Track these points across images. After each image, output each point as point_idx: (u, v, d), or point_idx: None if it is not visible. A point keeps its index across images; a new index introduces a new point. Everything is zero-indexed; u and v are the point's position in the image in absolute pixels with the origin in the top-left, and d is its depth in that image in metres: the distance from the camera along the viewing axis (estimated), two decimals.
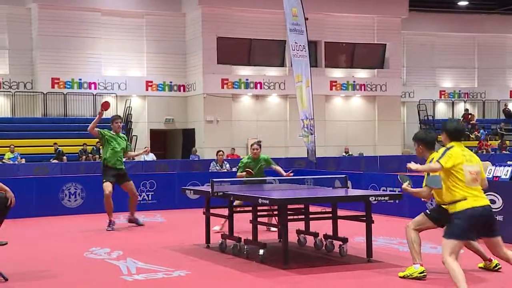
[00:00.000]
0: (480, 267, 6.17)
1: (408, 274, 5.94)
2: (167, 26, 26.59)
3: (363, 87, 28.45)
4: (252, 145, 9.69)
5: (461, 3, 31.27)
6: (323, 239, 7.65)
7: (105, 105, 10.39)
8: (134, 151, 24.55)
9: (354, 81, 28.37)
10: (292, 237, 7.59)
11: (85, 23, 25.31)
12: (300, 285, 5.92)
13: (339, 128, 27.74)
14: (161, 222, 10.82)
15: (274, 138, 26.49)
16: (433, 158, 5.56)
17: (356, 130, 27.97)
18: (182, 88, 27.05)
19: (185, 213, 11.53)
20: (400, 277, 6.02)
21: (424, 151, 6.02)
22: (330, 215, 7.59)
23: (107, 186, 9.85)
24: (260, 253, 6.87)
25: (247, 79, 26.63)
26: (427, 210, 6.20)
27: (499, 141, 29.37)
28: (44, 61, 24.84)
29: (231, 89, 26.34)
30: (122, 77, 26.15)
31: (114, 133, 10.22)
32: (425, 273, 5.95)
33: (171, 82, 26.82)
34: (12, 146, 21.98)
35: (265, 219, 8.18)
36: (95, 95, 25.64)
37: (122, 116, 25.44)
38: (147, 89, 26.54)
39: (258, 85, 26.81)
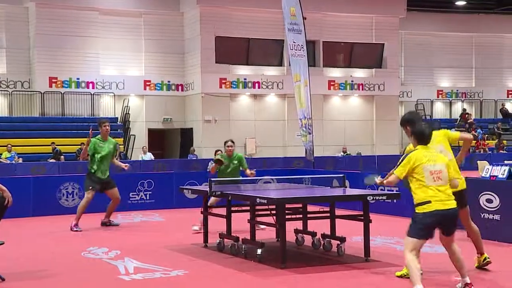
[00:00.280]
0: (476, 267, 6.20)
1: (405, 274, 5.95)
2: (165, 25, 26.57)
3: (361, 86, 28.46)
4: (226, 142, 9.59)
5: (458, 3, 31.29)
6: (321, 239, 7.65)
7: None
8: (132, 151, 24.84)
9: (352, 81, 28.38)
10: (290, 237, 7.58)
11: (83, 22, 25.28)
12: (298, 285, 5.92)
13: (337, 128, 27.77)
14: (159, 222, 10.82)
15: (272, 138, 26.50)
16: (407, 153, 5.59)
17: (354, 130, 27.98)
18: (180, 87, 27.03)
19: (183, 213, 11.54)
20: (397, 276, 6.03)
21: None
22: (328, 214, 7.60)
23: (90, 194, 9.86)
24: (258, 253, 6.88)
25: (245, 79, 26.63)
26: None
27: (496, 141, 29.42)
28: (41, 60, 24.81)
29: (229, 88, 26.33)
30: (120, 76, 26.13)
31: (102, 139, 10.09)
32: (421, 272, 5.93)
33: (169, 82, 26.81)
34: (9, 146, 21.96)
35: (263, 219, 8.17)
36: (93, 94, 25.61)
37: (120, 116, 25.66)
38: (145, 89, 26.52)
39: (256, 84, 26.81)
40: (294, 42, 16.32)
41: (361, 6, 27.92)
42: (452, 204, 5.36)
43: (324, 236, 7.60)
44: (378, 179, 5.70)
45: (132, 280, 6.11)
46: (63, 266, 6.89)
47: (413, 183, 5.38)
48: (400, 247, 7.62)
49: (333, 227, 7.53)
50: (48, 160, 21.80)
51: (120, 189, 12.17)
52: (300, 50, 16.25)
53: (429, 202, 5.26)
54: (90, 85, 25.62)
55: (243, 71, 26.79)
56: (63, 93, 25.16)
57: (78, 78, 25.42)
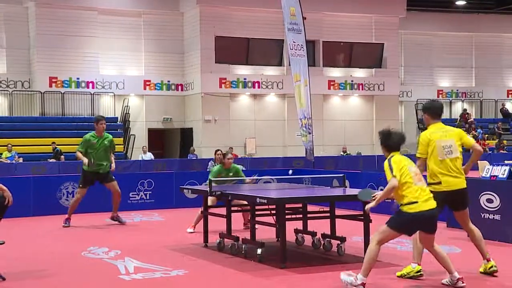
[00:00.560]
0: (480, 272, 6.12)
1: (405, 273, 5.97)
2: (165, 25, 26.57)
3: (361, 86, 28.46)
4: (226, 154, 9.61)
5: (458, 3, 31.29)
6: (321, 238, 7.65)
7: None
8: (132, 151, 24.82)
9: (352, 81, 28.39)
10: (290, 237, 7.58)
11: (83, 22, 25.28)
12: (298, 284, 5.92)
13: (337, 128, 27.78)
14: (159, 221, 10.82)
15: (272, 138, 26.51)
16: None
17: (354, 130, 27.98)
18: (180, 87, 27.03)
19: (183, 212, 11.53)
20: (398, 276, 6.03)
21: (429, 119, 6.15)
22: (328, 214, 7.60)
23: (81, 192, 10.10)
24: (258, 253, 6.88)
25: (245, 79, 26.63)
26: None
27: (497, 141, 29.41)
28: (41, 60, 24.81)
29: (229, 88, 26.33)
30: (119, 76, 26.13)
31: (97, 136, 10.17)
32: (421, 273, 5.96)
33: (169, 81, 26.81)
34: (9, 145, 21.96)
35: (263, 219, 8.15)
36: (93, 94, 25.61)
37: (120, 116, 25.65)
38: (145, 88, 26.52)
39: (256, 84, 26.81)
40: (294, 42, 16.31)
41: (361, 6, 27.91)
42: (433, 204, 5.52)
43: (324, 236, 7.60)
44: (377, 194, 5.67)
45: (132, 280, 6.11)
46: (63, 265, 6.89)
47: (401, 184, 5.45)
48: (400, 247, 7.62)
49: (333, 227, 7.53)
50: (49, 160, 21.80)
51: (120, 189, 12.20)
52: (300, 50, 16.24)
53: (416, 202, 5.41)
54: (90, 85, 25.63)
55: (243, 71, 26.78)
56: (63, 93, 25.16)
57: (78, 78, 25.42)
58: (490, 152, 26.96)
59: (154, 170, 18.66)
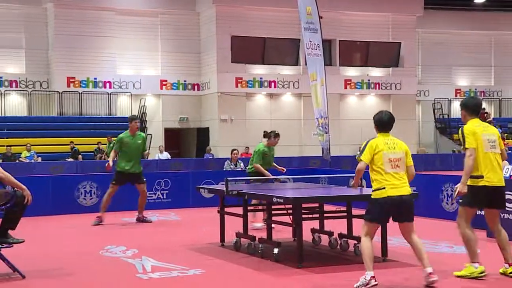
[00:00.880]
0: (500, 273, 6.00)
1: (467, 274, 5.85)
2: (182, 25, 26.66)
3: (377, 85, 28.33)
4: (273, 133, 9.78)
5: (477, 1, 30.95)
6: (337, 238, 7.62)
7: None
8: (149, 150, 24.90)
9: (368, 80, 28.26)
10: (307, 236, 7.57)
11: (100, 22, 25.46)
12: (315, 284, 5.90)
13: (353, 127, 27.65)
14: (176, 221, 10.85)
15: (289, 137, 26.40)
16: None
17: (371, 129, 27.35)
18: (196, 87, 27.11)
19: (200, 212, 11.56)
20: (457, 276, 5.91)
21: (466, 115, 6.08)
22: (345, 214, 7.57)
23: (110, 189, 10.33)
24: (274, 252, 6.86)
25: (261, 78, 26.62)
26: (459, 199, 6.07)
27: None
28: (59, 60, 25.03)
29: (245, 88, 26.35)
30: (136, 76, 26.27)
31: (130, 135, 10.33)
32: (484, 273, 5.84)
33: (185, 81, 26.90)
34: (28, 145, 22.17)
35: (280, 218, 8.15)
36: (110, 94, 25.78)
37: (136, 115, 25.76)
38: (161, 88, 26.64)
39: (272, 83, 26.80)
40: (310, 41, 16.25)
41: (378, 4, 27.77)
42: (406, 190, 5.55)
43: (341, 235, 7.56)
44: (351, 182, 5.79)
45: (150, 279, 6.13)
46: (81, 264, 6.94)
47: (372, 169, 5.59)
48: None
49: (350, 226, 7.50)
50: (66, 159, 21.98)
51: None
52: (316, 49, 16.17)
53: (383, 188, 5.51)
54: (107, 84, 25.81)
55: (259, 70, 26.78)
56: (81, 93, 25.35)
57: (95, 78, 25.60)
58: (510, 151, 26.63)
59: (170, 170, 18.72)
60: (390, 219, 5.82)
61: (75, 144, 22.86)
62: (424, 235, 8.36)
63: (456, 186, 5.91)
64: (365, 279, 5.43)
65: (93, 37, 25.27)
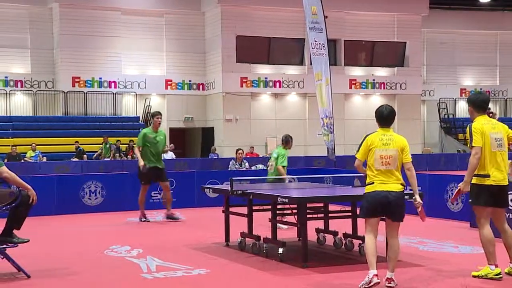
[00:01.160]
0: (506, 272, 5.99)
1: (483, 275, 5.83)
2: (187, 24, 26.68)
3: (382, 85, 28.28)
4: (288, 138, 10.03)
5: (482, 0, 30.88)
6: (342, 238, 7.62)
7: None
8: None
9: (373, 80, 28.21)
10: (312, 236, 7.56)
11: (106, 22, 25.51)
12: (320, 284, 5.89)
13: (358, 127, 27.59)
14: (181, 221, 10.84)
15: (293, 137, 26.18)
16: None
17: (376, 129, 27.73)
18: (201, 86, 27.13)
19: (204, 212, 11.56)
20: (474, 276, 5.88)
21: (473, 112, 6.02)
22: (350, 213, 7.56)
23: (144, 189, 10.46)
24: (279, 252, 6.86)
25: (266, 78, 26.62)
26: (469, 200, 6.00)
27: None
28: (65, 60, 25.08)
29: (250, 87, 26.35)
30: (141, 75, 26.30)
31: (153, 131, 10.46)
32: (501, 275, 5.81)
33: (190, 81, 26.93)
34: (33, 145, 22.21)
35: (284, 218, 8.14)
36: (115, 94, 25.83)
37: (141, 115, 25.82)
38: (166, 88, 26.67)
39: (277, 83, 26.80)
40: (315, 41, 16.23)
41: (383, 4, 27.72)
42: (396, 187, 5.54)
43: (345, 235, 7.56)
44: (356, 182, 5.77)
45: (154, 279, 6.13)
46: (85, 264, 6.95)
47: (367, 165, 5.66)
48: (423, 247, 7.55)
49: (354, 226, 7.48)
50: (72, 159, 22.02)
51: None
52: (321, 49, 16.14)
53: (372, 183, 5.58)
54: (112, 84, 25.87)
55: (264, 70, 26.78)
56: (86, 93, 25.40)
57: (100, 78, 25.65)
58: None
59: (175, 170, 18.67)
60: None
61: (80, 144, 22.91)
62: (429, 234, 8.40)
63: (458, 184, 5.88)
64: (368, 277, 5.44)
65: (99, 37, 25.32)
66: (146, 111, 25.71)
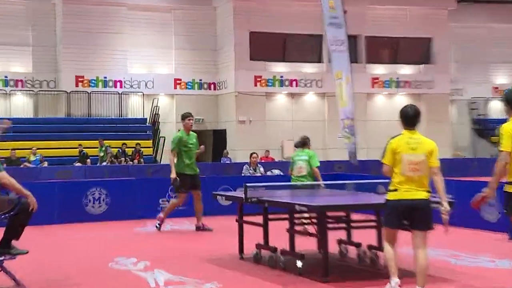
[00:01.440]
0: None
1: None
2: (197, 20, 26.70)
3: (407, 84, 28.09)
4: (306, 140, 10.24)
5: None
6: (366, 250, 7.54)
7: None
8: (162, 154, 25.00)
9: (397, 78, 28.03)
10: (333, 248, 7.49)
11: (110, 18, 25.60)
12: None
13: (382, 129, 27.36)
14: (190, 230, 10.80)
15: (312, 140, 26.03)
16: None
17: (401, 131, 27.57)
18: (212, 86, 27.13)
19: (216, 221, 11.47)
20: None
21: (509, 111, 5.88)
22: (374, 223, 7.45)
23: (182, 197, 10.37)
24: (298, 265, 6.79)
25: (282, 76, 26.57)
26: (504, 210, 5.83)
27: None
28: (68, 58, 25.20)
29: (264, 87, 26.31)
30: (149, 74, 26.36)
31: (186, 134, 10.49)
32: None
33: (200, 80, 26.95)
34: (34, 148, 22.23)
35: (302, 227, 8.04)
36: (121, 94, 25.90)
37: (149, 117, 25.87)
38: (175, 87, 26.70)
39: (294, 82, 26.74)
40: (334, 37, 16.20)
41: None
42: (421, 195, 5.53)
43: (370, 247, 7.47)
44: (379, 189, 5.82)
45: None
46: (88, 277, 6.91)
47: (393, 170, 5.64)
48: (456, 261, 7.42)
49: (379, 237, 7.37)
50: (74, 163, 22.08)
51: (149, 195, 12.22)
52: (341, 45, 16.14)
53: (396, 190, 5.59)
54: (118, 84, 25.95)
55: (279, 68, 26.73)
56: (90, 93, 25.50)
57: (105, 77, 25.75)
58: None
59: None
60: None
61: (84, 148, 22.97)
62: (463, 247, 8.25)
63: (482, 189, 5.75)
64: (390, 286, 5.47)
65: (103, 34, 25.42)
66: (154, 112, 25.76)
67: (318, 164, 9.98)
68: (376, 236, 7.42)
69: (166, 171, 19.91)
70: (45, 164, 21.84)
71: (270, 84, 26.44)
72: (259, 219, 7.80)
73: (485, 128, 29.42)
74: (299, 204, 6.68)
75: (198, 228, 10.47)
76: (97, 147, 23.16)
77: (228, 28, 26.16)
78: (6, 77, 25.14)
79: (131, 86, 26.18)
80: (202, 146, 10.76)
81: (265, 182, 12.51)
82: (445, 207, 5.60)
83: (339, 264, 7.49)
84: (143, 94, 26.21)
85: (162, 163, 24.00)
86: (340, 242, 7.93)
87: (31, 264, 7.28)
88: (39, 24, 25.41)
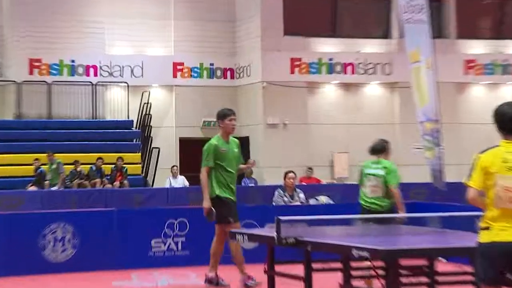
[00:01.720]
0: None
1: None
2: None
3: None
4: (385, 145, 10.50)
5: None
6: None
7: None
8: (155, 173, 25.04)
9: (505, 60, 27.84)
10: None
11: None
12: None
13: (480, 136, 27.14)
14: (197, 286, 10.77)
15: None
16: None
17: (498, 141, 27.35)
18: (229, 73, 27.25)
19: (236, 272, 11.43)
20: None
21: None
22: (471, 277, 7.36)
23: (226, 229, 10.04)
24: None
25: (331, 59, 26.60)
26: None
27: None
28: (19, 35, 25.43)
29: (305, 74, 26.35)
30: (136, 57, 26.54)
31: (225, 140, 10.57)
32: None
33: (211, 65, 27.09)
34: None
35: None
36: (95, 85, 26.04)
37: (136, 118, 25.95)
38: (175, 76, 26.84)
39: (349, 68, 26.75)
40: (408, 2, 16.22)
41: None
42: None
43: None
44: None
45: None
46: None
47: (485, 199, 5.80)
48: None
49: None
50: (27, 187, 22.18)
51: (138, 234, 12.24)
52: (419, 13, 16.18)
53: (488, 228, 5.73)
54: (91, 70, 26.12)
55: (327, 47, 26.77)
56: (50, 84, 25.70)
57: (72, 61, 25.98)
58: None
59: (189, 205, 18.68)
60: None
61: (42, 164, 23.10)
62: None
63: None
64: None
65: (69, 0, 25.70)
66: (144, 112, 25.84)
67: (397, 182, 10.19)
68: None
69: (160, 198, 20.06)
70: None
71: (313, 70, 26.47)
72: (298, 269, 7.77)
73: None
74: (357, 248, 6.67)
75: (245, 285, 10.39)
76: (64, 163, 23.27)
77: None
78: None
79: (111, 74, 26.34)
80: (252, 160, 10.79)
81: (307, 214, 12.50)
82: None
83: None
84: (128, 86, 26.33)
85: (155, 185, 24.04)
86: None
87: None
88: None
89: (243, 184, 23.96)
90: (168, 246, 12.53)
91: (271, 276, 8.09)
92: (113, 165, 23.33)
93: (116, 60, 26.41)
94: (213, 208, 10.19)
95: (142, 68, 26.60)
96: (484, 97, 28.00)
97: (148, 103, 26.05)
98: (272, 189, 16.34)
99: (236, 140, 10.85)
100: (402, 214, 9.78)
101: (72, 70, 25.99)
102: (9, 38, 25.62)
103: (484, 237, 5.70)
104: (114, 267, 11.55)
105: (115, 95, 26.57)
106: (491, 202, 5.70)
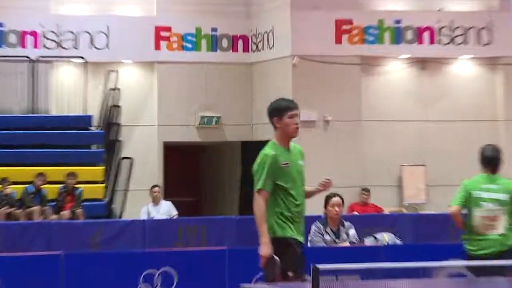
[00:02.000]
0: None
1: None
2: None
3: None
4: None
5: None
6: None
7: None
8: (125, 201, 25.04)
9: None
10: None
11: None
12: None
13: None
14: None
15: (469, 164, 25.97)
16: None
17: None
18: (240, 44, 27.36)
19: None
20: None
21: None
22: None
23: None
24: None
25: (398, 22, 26.72)
26: None
27: None
28: None
29: (358, 44, 26.58)
30: (98, 18, 26.75)
31: (285, 148, 10.89)
32: None
33: (214, 31, 27.40)
34: None
35: None
36: (36, 61, 26.14)
37: (98, 112, 25.98)
38: (157, 47, 27.11)
39: (426, 35, 26.83)
40: None
41: None
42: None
43: None
44: None
45: None
46: None
47: None
48: None
49: None
50: None
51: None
52: None
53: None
54: (29, 40, 26.28)
55: (392, 3, 26.76)
56: None
57: (0, 25, 25.99)
58: None
59: (178, 245, 18.72)
60: None
61: None
62: None
63: None
64: None
65: None
66: (109, 104, 25.85)
67: None
68: None
69: (136, 235, 19.97)
70: None
71: (371, 38, 26.73)
72: None
73: None
74: None
75: None
76: None
77: None
78: None
79: (58, 45, 26.50)
80: (327, 179, 11.02)
81: (361, 260, 12.32)
82: None
83: None
84: (87, 63, 26.51)
85: (126, 216, 24.00)
86: None
87: None
88: None
89: None
90: None
91: None
92: (60, 185, 23.39)
93: (67, 23, 26.61)
94: (275, 257, 10.21)
95: (107, 36, 26.78)
96: None
97: (116, 89, 26.20)
98: (307, 221, 16.24)
99: (298, 147, 11.23)
100: None
101: (0, 39, 26.12)
102: None
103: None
104: None
105: (65, 77, 26.77)
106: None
